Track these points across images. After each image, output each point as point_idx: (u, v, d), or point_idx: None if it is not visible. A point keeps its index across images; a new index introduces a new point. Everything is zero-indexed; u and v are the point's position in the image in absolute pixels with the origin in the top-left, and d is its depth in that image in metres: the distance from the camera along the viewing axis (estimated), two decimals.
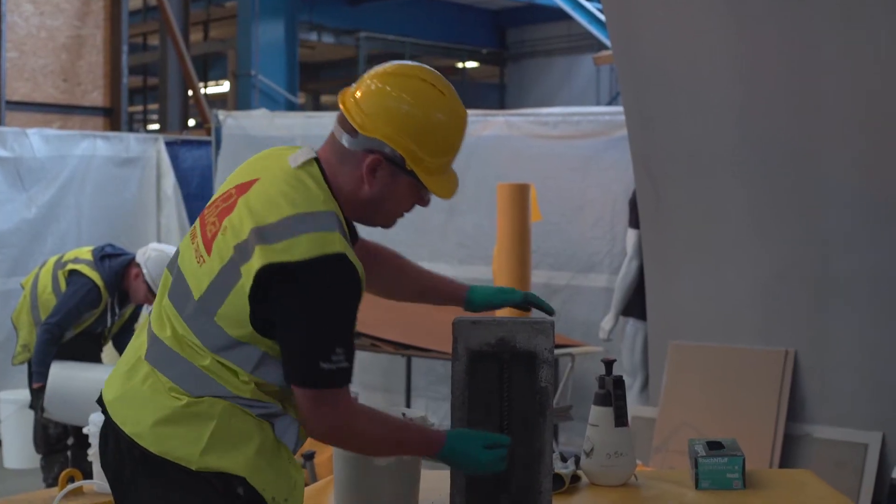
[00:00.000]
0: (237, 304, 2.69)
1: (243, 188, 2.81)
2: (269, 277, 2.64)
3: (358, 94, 2.81)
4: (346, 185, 2.80)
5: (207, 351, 2.75)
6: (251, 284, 2.65)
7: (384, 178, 2.79)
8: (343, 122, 2.81)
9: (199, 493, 2.74)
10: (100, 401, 2.96)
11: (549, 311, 3.22)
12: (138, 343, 2.92)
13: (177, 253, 2.94)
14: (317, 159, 2.83)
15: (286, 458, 2.83)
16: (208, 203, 2.92)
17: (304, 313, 2.66)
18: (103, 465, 2.93)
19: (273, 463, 2.79)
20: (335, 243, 2.67)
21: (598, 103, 20.05)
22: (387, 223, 2.93)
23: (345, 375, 2.71)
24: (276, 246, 2.65)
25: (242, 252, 2.69)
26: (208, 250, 2.77)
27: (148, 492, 2.79)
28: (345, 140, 2.80)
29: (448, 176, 2.88)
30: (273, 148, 2.98)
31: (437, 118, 2.80)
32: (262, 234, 2.67)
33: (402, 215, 2.93)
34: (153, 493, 2.78)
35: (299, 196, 2.73)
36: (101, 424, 4.84)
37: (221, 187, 2.93)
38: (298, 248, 2.64)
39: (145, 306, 7.70)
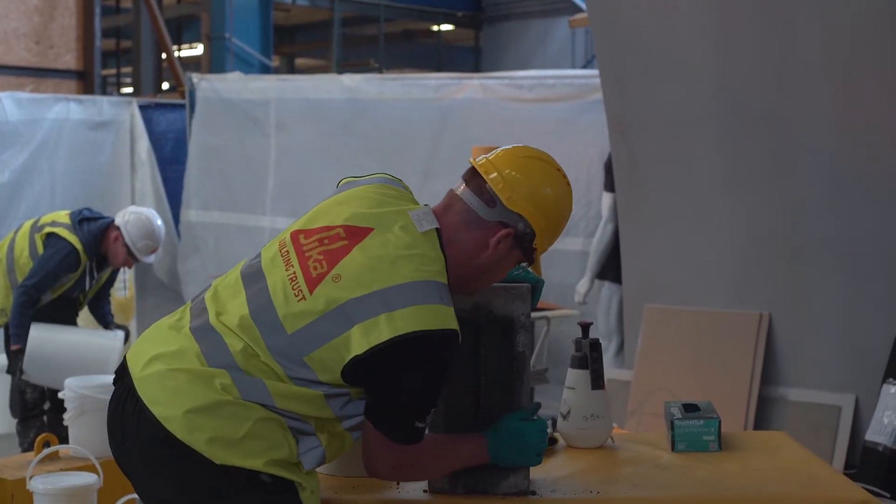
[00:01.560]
0: (335, 354, 2.75)
1: (356, 235, 2.85)
2: (391, 346, 2.70)
3: (506, 170, 2.93)
4: (463, 251, 2.92)
5: (288, 380, 2.77)
6: (369, 349, 2.71)
7: (503, 251, 2.93)
8: (479, 191, 2.93)
9: (222, 480, 2.75)
10: (121, 369, 2.94)
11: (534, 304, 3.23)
12: (181, 325, 2.91)
13: (257, 263, 2.94)
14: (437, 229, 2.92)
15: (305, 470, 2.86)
16: (301, 224, 2.95)
17: (414, 382, 2.78)
18: (112, 432, 2.91)
19: (295, 469, 2.82)
20: (450, 320, 2.77)
21: (573, 66, 19.99)
22: (477, 290, 3.05)
23: (423, 433, 2.87)
24: (400, 314, 2.72)
25: (361, 309, 2.74)
26: (311, 288, 2.79)
27: (169, 473, 2.79)
28: (479, 208, 2.92)
29: None
30: (383, 188, 3.02)
31: (566, 208, 3.03)
32: (387, 300, 2.74)
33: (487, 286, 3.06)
34: (175, 474, 2.78)
35: (423, 264, 2.82)
36: (80, 389, 4.86)
37: (320, 214, 2.96)
38: (420, 319, 2.73)
39: (122, 270, 7.67)
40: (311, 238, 2.88)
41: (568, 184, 3.02)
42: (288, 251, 2.88)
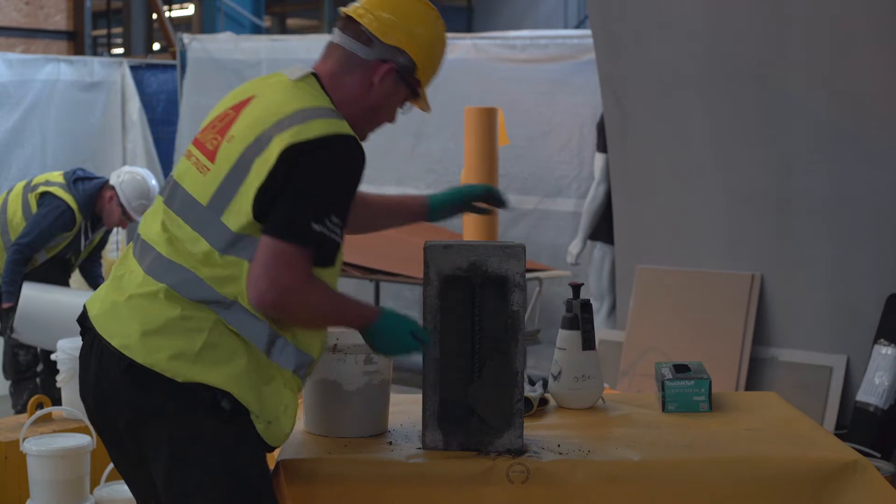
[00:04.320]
0: (244, 197, 2.82)
1: (241, 105, 2.98)
2: (288, 157, 2.79)
3: (377, 10, 3.04)
4: (348, 95, 3.01)
5: (215, 253, 2.83)
6: (271, 167, 2.79)
7: (388, 88, 3.04)
8: (356, 34, 3.03)
9: (184, 404, 2.81)
10: (81, 320, 3.01)
11: (504, 203, 3.39)
12: (126, 257, 3.01)
13: (169, 180, 3.04)
14: (314, 74, 3.04)
15: (280, 381, 2.90)
16: (201, 129, 3.06)
17: (311, 181, 2.82)
18: (83, 391, 2.97)
19: (260, 384, 2.86)
20: (345, 127, 2.88)
21: (566, 26, 19.93)
22: (369, 132, 3.12)
23: (330, 248, 2.86)
24: (292, 130, 2.82)
25: (256, 147, 2.83)
26: (212, 159, 2.91)
27: (132, 404, 2.84)
28: (357, 49, 3.02)
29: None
30: (265, 75, 3.16)
31: (439, 38, 3.14)
32: (278, 126, 2.84)
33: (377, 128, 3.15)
34: (138, 404, 2.84)
35: (305, 98, 2.93)
36: (72, 350, 4.86)
37: (213, 113, 3.07)
38: (313, 129, 2.83)
39: (115, 231, 7.66)
40: (207, 129, 3.01)
41: (438, 17, 3.13)
42: (189, 150, 3.02)
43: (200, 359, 2.80)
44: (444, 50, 3.17)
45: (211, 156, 2.91)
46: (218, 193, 2.85)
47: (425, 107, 3.18)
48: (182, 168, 3.00)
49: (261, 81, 3.08)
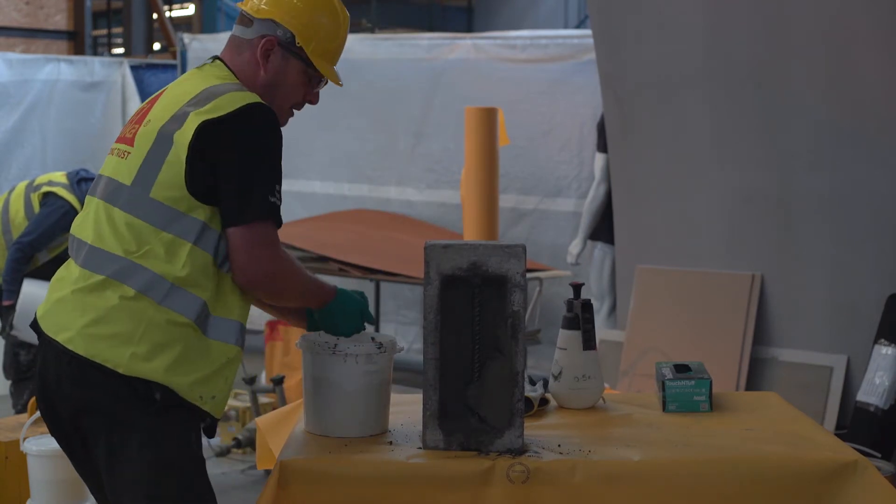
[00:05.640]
0: (172, 171, 2.91)
1: (155, 98, 3.13)
2: (207, 134, 2.89)
3: None
4: (244, 74, 3.13)
5: (150, 230, 2.90)
6: (190, 142, 2.87)
7: (276, 62, 3.13)
8: (241, 20, 3.18)
9: (120, 397, 2.87)
10: (34, 326, 3.07)
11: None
12: (64, 268, 3.08)
13: (96, 179, 3.14)
14: (219, 58, 3.19)
15: (218, 356, 2.97)
16: (118, 138, 3.15)
17: (248, 154, 2.93)
18: (37, 394, 3.05)
19: (199, 367, 2.93)
20: (256, 98, 2.99)
21: (566, 26, 19.95)
22: (282, 116, 3.16)
23: (279, 214, 2.99)
24: (207, 107, 2.93)
25: (173, 123, 2.92)
26: (131, 144, 3.00)
27: (73, 399, 2.91)
28: (241, 32, 3.16)
29: (334, 68, 3.25)
30: None
31: (320, 6, 3.17)
32: (192, 103, 2.96)
33: (292, 112, 3.23)
34: (78, 399, 2.90)
35: (213, 78, 3.07)
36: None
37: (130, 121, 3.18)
38: (227, 103, 2.93)
39: None
40: (125, 129, 3.12)
41: None
42: (112, 148, 3.12)
43: (138, 349, 2.86)
44: (329, 18, 3.19)
45: (130, 141, 3.02)
46: (141, 172, 2.95)
47: (335, 81, 3.22)
48: (105, 163, 3.10)
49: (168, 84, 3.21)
